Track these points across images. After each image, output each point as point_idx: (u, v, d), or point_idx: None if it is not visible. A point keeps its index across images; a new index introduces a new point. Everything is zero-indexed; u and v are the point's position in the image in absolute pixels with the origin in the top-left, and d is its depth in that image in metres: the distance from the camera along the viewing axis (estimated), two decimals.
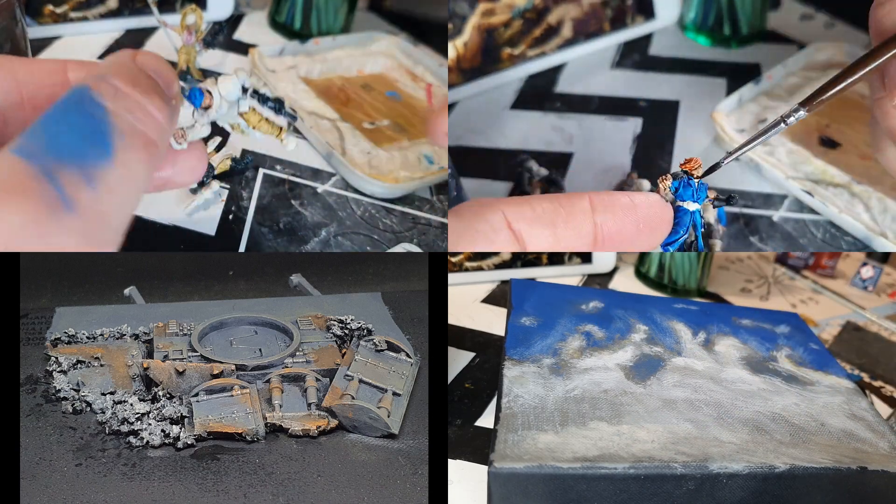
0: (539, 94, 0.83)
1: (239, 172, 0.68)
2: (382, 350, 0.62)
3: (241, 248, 0.63)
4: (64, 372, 0.59)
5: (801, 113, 0.46)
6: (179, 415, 0.55)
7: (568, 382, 0.53)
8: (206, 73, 0.79)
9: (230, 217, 0.65)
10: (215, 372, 0.57)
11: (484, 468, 0.55)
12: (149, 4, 0.76)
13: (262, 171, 0.70)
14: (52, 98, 0.37)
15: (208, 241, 0.63)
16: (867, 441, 0.49)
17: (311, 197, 0.69)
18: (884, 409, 0.68)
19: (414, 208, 0.70)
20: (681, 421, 0.49)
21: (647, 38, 0.90)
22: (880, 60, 0.47)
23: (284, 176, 0.70)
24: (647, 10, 0.89)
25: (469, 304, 0.81)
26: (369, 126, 0.77)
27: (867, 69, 0.47)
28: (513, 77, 0.84)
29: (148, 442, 0.53)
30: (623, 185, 0.67)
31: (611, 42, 0.88)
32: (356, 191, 0.71)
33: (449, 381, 0.66)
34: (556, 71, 0.86)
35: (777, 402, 0.53)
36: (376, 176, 0.69)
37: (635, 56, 0.88)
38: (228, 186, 0.67)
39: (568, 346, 0.58)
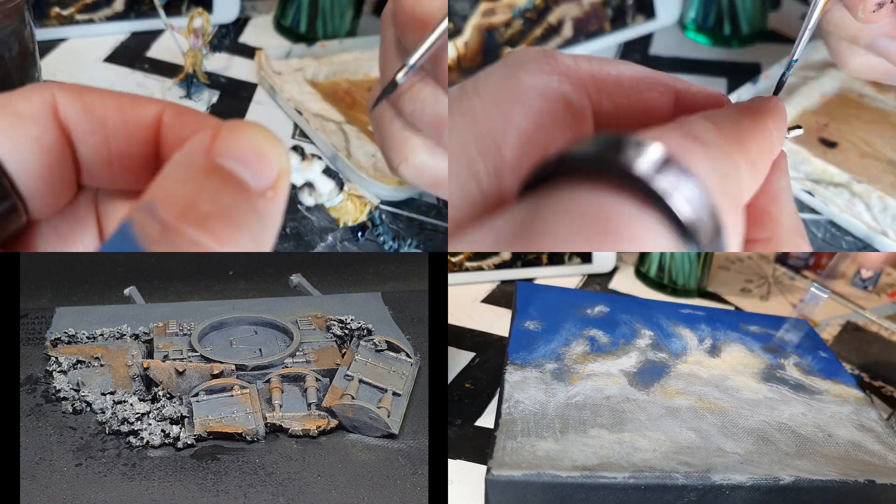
0: None
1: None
2: (382, 350, 0.62)
3: None
4: (64, 372, 0.59)
5: None
6: (179, 415, 0.55)
7: (570, 388, 0.52)
8: (211, 77, 0.79)
9: None
10: (215, 372, 0.57)
11: (484, 468, 0.55)
12: (155, 7, 0.75)
13: None
14: (144, 161, 0.31)
15: None
16: (875, 453, 0.47)
17: None
18: (884, 410, 0.68)
19: (420, 214, 0.70)
20: (684, 430, 0.48)
21: (647, 38, 0.90)
22: None
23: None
24: (647, 10, 0.89)
25: (469, 304, 0.81)
26: None
27: None
28: None
29: (148, 442, 0.53)
30: None
31: (611, 42, 0.88)
32: None
33: (449, 381, 0.65)
34: None
35: (783, 411, 0.52)
36: (381, 178, 0.69)
37: (635, 56, 0.88)
38: None
39: (572, 351, 0.57)
